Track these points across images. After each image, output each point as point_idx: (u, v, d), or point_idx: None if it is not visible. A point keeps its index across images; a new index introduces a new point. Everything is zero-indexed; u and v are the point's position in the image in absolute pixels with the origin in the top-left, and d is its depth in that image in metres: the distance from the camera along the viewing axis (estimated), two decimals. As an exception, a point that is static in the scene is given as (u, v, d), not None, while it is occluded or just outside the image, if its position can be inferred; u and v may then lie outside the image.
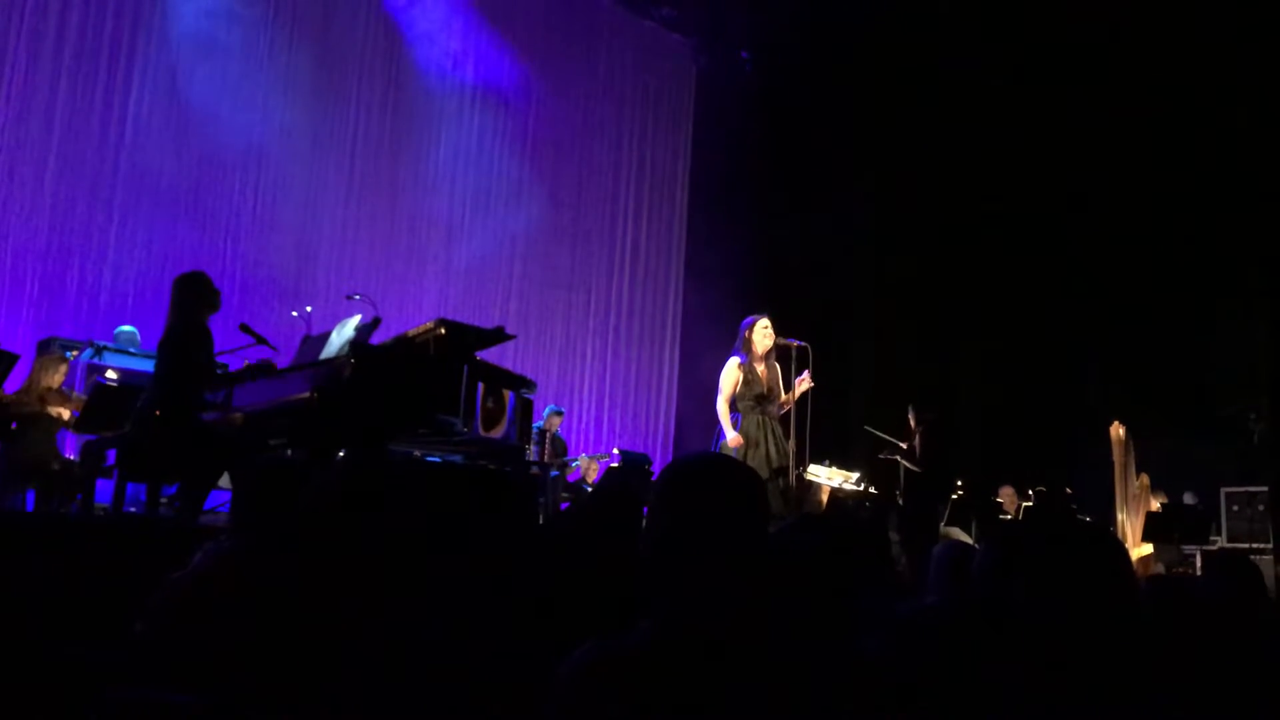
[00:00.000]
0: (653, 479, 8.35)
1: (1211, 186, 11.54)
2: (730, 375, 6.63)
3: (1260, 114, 11.03)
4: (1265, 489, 10.34)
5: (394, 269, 11.26)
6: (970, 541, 7.21)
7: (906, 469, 9.09)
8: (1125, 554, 1.74)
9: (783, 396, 6.70)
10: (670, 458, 12.81)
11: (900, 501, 9.08)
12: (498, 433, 6.18)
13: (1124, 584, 1.68)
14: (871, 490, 8.95)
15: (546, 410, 10.22)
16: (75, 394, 7.10)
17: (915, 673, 1.82)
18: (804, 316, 8.91)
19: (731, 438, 6.48)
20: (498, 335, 6.08)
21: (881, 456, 9.28)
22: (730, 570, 1.53)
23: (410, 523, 3.68)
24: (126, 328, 8.38)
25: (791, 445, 6.69)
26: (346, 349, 5.48)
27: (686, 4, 13.07)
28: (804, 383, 6.65)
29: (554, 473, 9.97)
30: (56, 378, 7.01)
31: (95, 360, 7.59)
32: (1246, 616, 3.02)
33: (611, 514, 3.34)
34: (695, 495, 1.59)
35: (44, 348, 7.70)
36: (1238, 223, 11.49)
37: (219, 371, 6.23)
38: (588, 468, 10.60)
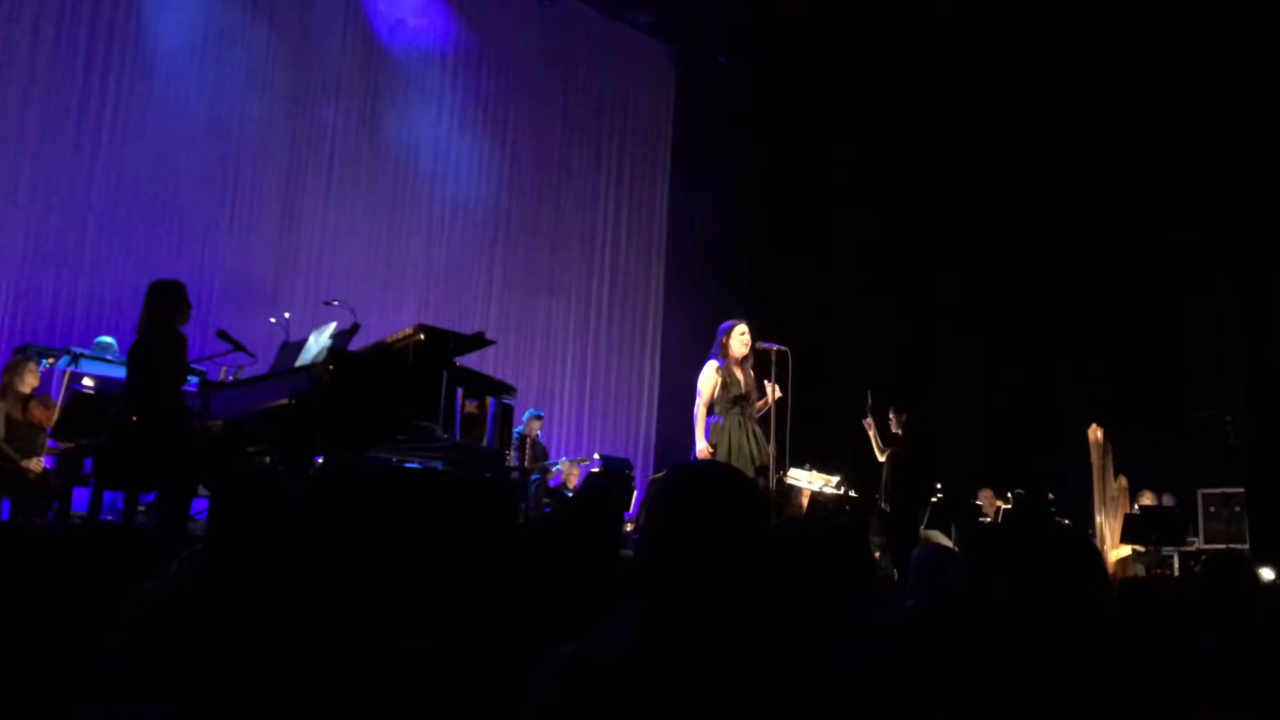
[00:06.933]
0: (634, 484, 8.39)
1: (1185, 189, 11.63)
2: (708, 379, 6.68)
3: (1235, 117, 11.13)
4: (1242, 490, 10.41)
5: (373, 275, 11.23)
6: (950, 545, 7.24)
7: (888, 472, 9.11)
8: (1100, 558, 1.75)
9: (761, 400, 6.76)
10: (651, 462, 12.83)
11: (882, 505, 9.11)
12: (478, 439, 6.18)
13: (1097, 588, 1.69)
14: (852, 494, 8.97)
15: (526, 415, 10.19)
16: (54, 402, 7.05)
17: (893, 677, 1.83)
18: (784, 320, 8.94)
19: (702, 448, 6.53)
20: (477, 341, 6.07)
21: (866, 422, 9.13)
22: (726, 577, 1.53)
23: (389, 529, 3.68)
24: (106, 338, 8.32)
25: (771, 448, 6.73)
26: (324, 355, 5.46)
27: (664, 10, 13.09)
28: (773, 390, 6.70)
29: (534, 477, 9.95)
30: (30, 378, 6.97)
31: (72, 368, 7.54)
32: (1240, 615, 3.03)
33: (593, 518, 3.34)
34: (697, 501, 1.59)
35: (18, 355, 7.65)
36: (1211, 226, 11.58)
37: (195, 378, 6.20)
38: (569, 472, 10.57)
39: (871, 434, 9.17)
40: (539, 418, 10.49)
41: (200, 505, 5.85)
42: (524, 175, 12.61)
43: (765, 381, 6.76)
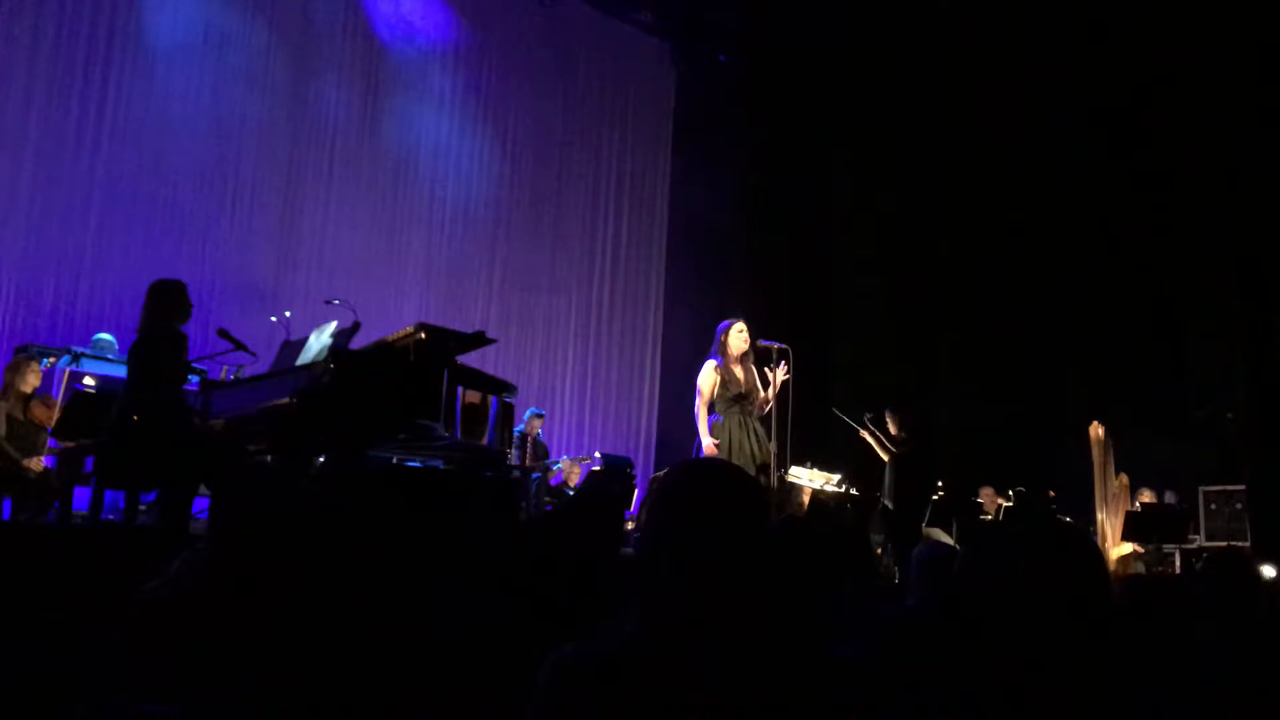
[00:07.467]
0: (635, 482, 8.38)
1: (1187, 187, 11.62)
2: (708, 378, 6.68)
3: (1236, 117, 11.12)
4: (1243, 487, 10.40)
5: (373, 273, 11.23)
6: (951, 542, 7.24)
7: (889, 470, 9.09)
8: (1099, 555, 1.75)
9: (762, 395, 6.75)
10: (652, 460, 12.83)
11: (884, 503, 9.08)
12: (479, 437, 6.17)
13: (1098, 586, 1.69)
14: (853, 492, 8.95)
15: (527, 413, 10.19)
16: (55, 401, 7.06)
17: (893, 674, 1.83)
18: (785, 318, 8.92)
19: (708, 444, 6.52)
20: (478, 339, 6.07)
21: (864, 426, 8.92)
22: (726, 576, 1.53)
23: (390, 528, 3.67)
24: (104, 335, 8.33)
25: (773, 446, 6.73)
26: (325, 354, 5.46)
27: (665, 9, 13.09)
28: (779, 372, 6.69)
29: (535, 476, 9.95)
30: (32, 378, 6.97)
31: (73, 367, 7.55)
32: (1240, 613, 3.03)
33: (594, 517, 3.34)
34: (698, 499, 1.59)
35: (19, 354, 7.66)
36: (1213, 223, 11.57)
37: (195, 377, 6.20)
38: (569, 471, 10.57)
39: (872, 441, 9.04)
40: (540, 416, 10.49)
41: (201, 505, 5.85)
42: (524, 173, 12.61)
43: (767, 369, 6.75)
